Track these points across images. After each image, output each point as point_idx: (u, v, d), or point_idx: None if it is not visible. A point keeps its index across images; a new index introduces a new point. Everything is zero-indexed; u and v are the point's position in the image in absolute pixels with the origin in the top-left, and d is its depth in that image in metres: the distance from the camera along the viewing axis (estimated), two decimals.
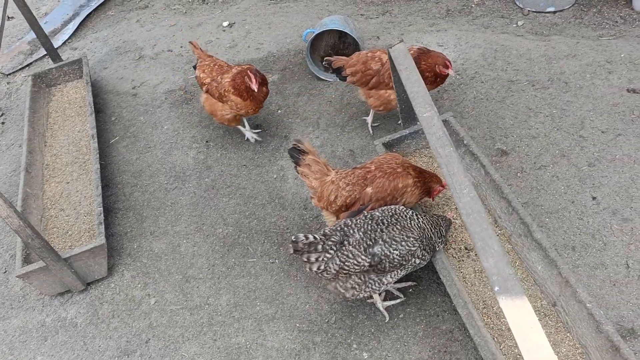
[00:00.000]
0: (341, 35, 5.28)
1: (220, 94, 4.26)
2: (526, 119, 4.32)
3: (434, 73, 3.96)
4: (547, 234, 3.54)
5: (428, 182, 3.35)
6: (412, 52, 3.98)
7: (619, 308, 3.14)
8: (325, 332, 3.34)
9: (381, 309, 3.32)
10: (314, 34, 4.87)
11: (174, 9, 6.86)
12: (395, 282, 3.42)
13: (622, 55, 4.67)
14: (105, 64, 6.01)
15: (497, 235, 3.42)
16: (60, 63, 5.55)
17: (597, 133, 4.08)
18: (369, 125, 4.54)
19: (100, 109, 5.38)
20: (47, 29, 6.80)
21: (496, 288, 2.17)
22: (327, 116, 4.77)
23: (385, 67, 4.04)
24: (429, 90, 3.98)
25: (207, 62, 4.49)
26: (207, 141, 4.79)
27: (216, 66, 4.41)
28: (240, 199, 4.25)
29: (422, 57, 3.95)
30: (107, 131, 5.12)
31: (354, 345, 3.25)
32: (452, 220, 3.28)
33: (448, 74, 3.96)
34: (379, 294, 3.35)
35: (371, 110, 4.43)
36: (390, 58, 3.33)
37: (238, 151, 4.64)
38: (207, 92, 4.42)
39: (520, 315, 2.09)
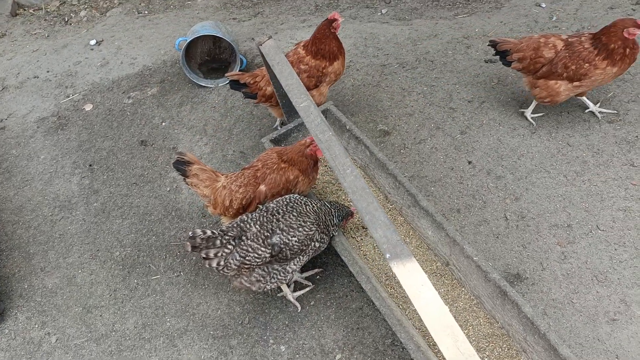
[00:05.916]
0: (215, 40, 5.27)
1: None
2: (401, 98, 4.57)
3: (621, 42, 3.51)
4: (434, 201, 3.79)
5: (308, 159, 3.33)
6: (562, 39, 3.75)
7: (504, 257, 3.43)
8: (240, 334, 3.33)
9: (292, 300, 3.37)
10: (187, 42, 4.82)
11: (35, 34, 6.45)
12: (302, 272, 3.49)
13: (477, 30, 5.10)
14: None
15: (389, 209, 3.61)
16: None
17: (465, 103, 4.42)
18: (528, 116, 4.15)
19: None
20: None
21: (387, 255, 2.29)
22: (212, 122, 4.74)
23: (559, 55, 3.73)
24: (622, 72, 3.68)
25: (257, 73, 4.08)
26: (90, 165, 4.57)
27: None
28: (135, 217, 4.11)
29: (597, 35, 3.62)
30: None
31: (271, 341, 3.28)
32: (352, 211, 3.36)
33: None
34: (288, 286, 3.40)
35: (534, 101, 4.08)
36: (261, 54, 3.38)
37: (126, 170, 4.48)
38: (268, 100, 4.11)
39: (411, 276, 2.22)
